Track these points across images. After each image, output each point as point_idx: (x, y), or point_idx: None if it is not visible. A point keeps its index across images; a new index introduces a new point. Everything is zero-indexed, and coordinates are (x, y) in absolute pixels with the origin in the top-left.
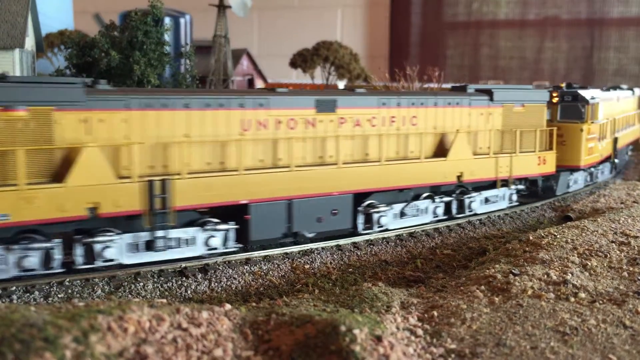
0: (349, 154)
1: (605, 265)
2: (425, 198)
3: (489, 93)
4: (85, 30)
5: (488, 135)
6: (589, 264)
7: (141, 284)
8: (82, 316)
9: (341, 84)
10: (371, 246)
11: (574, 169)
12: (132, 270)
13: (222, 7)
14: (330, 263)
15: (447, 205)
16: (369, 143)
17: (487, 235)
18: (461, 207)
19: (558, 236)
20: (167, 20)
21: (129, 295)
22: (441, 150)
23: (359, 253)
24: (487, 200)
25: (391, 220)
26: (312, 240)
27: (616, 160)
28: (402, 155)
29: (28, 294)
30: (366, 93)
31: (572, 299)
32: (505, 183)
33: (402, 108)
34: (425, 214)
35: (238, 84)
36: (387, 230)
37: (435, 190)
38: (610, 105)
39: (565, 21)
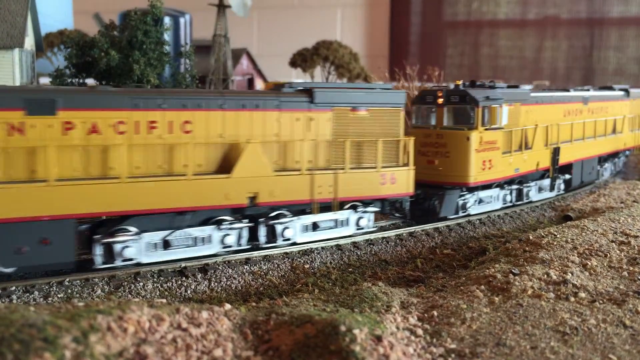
0: (79, 168)
1: (605, 264)
2: (214, 223)
3: (309, 93)
4: (84, 30)
5: (306, 147)
6: (589, 263)
7: (141, 283)
8: (81, 316)
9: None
10: (371, 246)
11: (464, 187)
12: (132, 270)
13: (222, 7)
14: (330, 263)
15: (254, 231)
16: (111, 154)
17: (487, 235)
18: (275, 235)
19: (558, 236)
20: (167, 20)
21: (129, 295)
22: (231, 166)
23: (358, 253)
24: (316, 227)
25: (145, 251)
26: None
27: (567, 176)
28: (168, 170)
29: (27, 294)
30: (111, 90)
31: (572, 299)
32: (357, 204)
33: (168, 111)
34: (208, 244)
35: (238, 83)
36: (139, 264)
37: (246, 215)
38: (548, 109)
39: (565, 21)
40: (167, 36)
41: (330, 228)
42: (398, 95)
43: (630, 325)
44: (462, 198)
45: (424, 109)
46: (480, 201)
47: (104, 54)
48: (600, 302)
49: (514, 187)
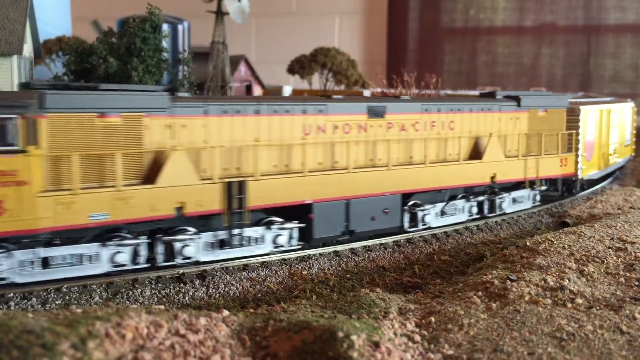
0: None
1: (602, 271)
2: None
3: None
4: (83, 37)
5: None
6: (586, 269)
7: (139, 290)
8: (80, 323)
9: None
10: (369, 252)
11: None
12: (130, 276)
13: (220, 14)
14: (328, 269)
15: None
16: None
17: (484, 241)
18: None
19: (555, 242)
20: (165, 27)
21: (127, 302)
22: None
23: (356, 259)
24: None
25: None
26: (310, 247)
27: (291, 225)
28: None
29: (25, 301)
30: None
31: (569, 305)
32: None
33: None
34: None
35: (236, 90)
36: None
37: None
38: (239, 123)
39: (562, 28)
40: (165, 43)
41: None
42: None
43: (627, 331)
44: None
45: None
46: (47, 264)
47: (103, 60)
48: (597, 308)
49: (144, 240)
